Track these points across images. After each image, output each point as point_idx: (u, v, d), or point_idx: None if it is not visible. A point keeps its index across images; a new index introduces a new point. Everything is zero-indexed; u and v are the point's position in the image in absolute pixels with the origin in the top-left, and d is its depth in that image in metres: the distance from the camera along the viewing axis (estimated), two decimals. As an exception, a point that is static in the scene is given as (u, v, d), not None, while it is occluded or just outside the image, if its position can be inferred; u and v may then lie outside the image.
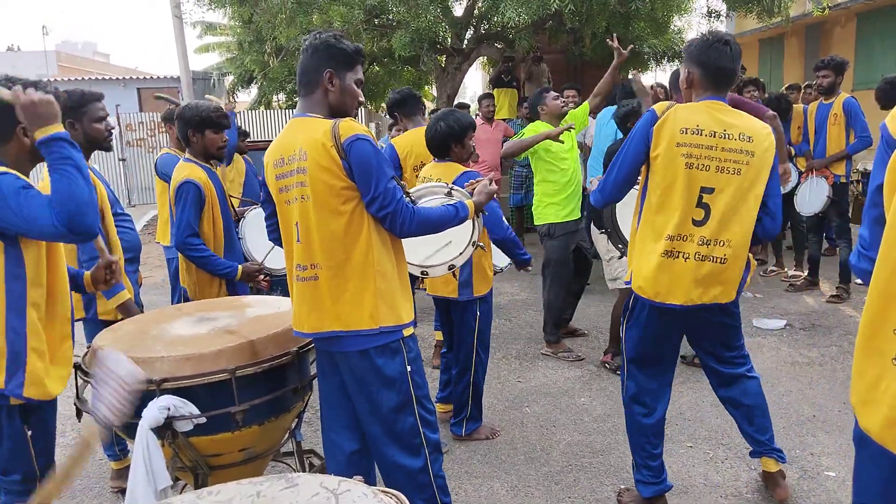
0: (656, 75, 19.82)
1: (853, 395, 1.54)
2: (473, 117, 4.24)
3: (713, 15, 9.69)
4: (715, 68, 2.52)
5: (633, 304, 2.76)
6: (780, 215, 2.63)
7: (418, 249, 2.80)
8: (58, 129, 1.97)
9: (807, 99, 6.34)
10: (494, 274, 3.64)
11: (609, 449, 3.46)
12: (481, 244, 2.88)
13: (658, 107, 2.59)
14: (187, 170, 3.25)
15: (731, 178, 2.49)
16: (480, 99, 8.72)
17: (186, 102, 3.44)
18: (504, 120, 9.38)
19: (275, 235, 2.50)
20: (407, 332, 2.31)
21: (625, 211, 3.51)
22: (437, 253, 2.85)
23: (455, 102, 10.26)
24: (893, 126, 1.50)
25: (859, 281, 6.02)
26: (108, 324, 2.90)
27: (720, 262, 2.54)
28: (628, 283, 2.73)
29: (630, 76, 5.28)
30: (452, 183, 3.01)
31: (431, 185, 2.93)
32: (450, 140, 3.27)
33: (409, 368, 2.30)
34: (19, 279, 2.04)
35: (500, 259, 4.14)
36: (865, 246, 1.59)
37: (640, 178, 2.70)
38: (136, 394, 1.75)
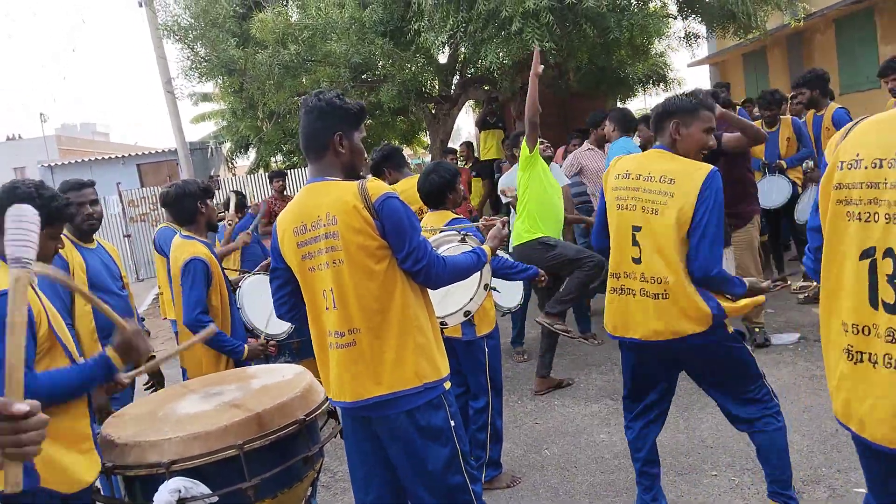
0: (645, 100, 20.03)
1: (829, 384, 1.78)
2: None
3: (691, 37, 9.83)
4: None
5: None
6: (697, 255, 2.54)
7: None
8: (120, 364, 2.20)
9: (794, 110, 6.33)
10: (503, 315, 3.64)
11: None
12: (493, 286, 2.92)
13: (613, 160, 2.87)
14: (190, 246, 3.31)
15: (652, 217, 2.61)
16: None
17: (179, 182, 3.53)
18: (493, 160, 9.63)
19: (286, 308, 2.41)
20: (447, 385, 2.30)
21: None
22: (446, 302, 2.84)
23: (446, 148, 10.43)
24: (827, 152, 1.75)
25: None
26: None
27: (662, 298, 2.60)
28: None
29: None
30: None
31: (445, 235, 2.98)
32: (444, 188, 3.35)
33: (452, 423, 2.28)
34: None
35: (510, 300, 4.14)
36: (810, 249, 1.88)
37: None
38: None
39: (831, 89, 6.12)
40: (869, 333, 1.59)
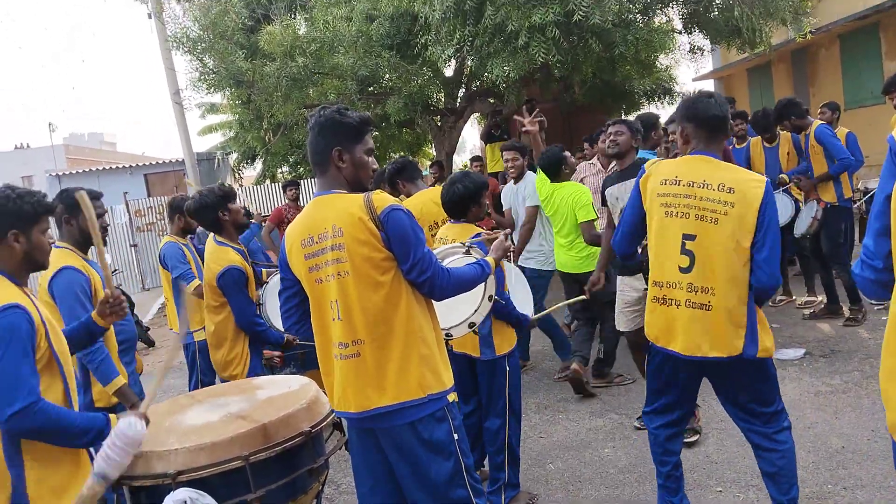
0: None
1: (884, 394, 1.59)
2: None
3: (696, 51, 9.87)
4: (704, 119, 2.63)
5: (651, 348, 2.83)
6: (768, 268, 2.51)
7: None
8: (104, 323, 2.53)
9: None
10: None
11: (637, 501, 3.38)
12: (497, 297, 2.91)
13: (648, 163, 2.81)
14: (223, 254, 3.52)
15: (709, 226, 2.54)
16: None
17: (192, 196, 3.63)
18: (499, 173, 9.61)
19: (293, 321, 2.46)
20: (451, 397, 2.31)
21: None
22: (451, 314, 2.84)
23: (471, 157, 10.49)
24: None
25: (874, 302, 5.94)
26: (101, 410, 2.93)
27: (706, 309, 2.56)
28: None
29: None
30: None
31: (450, 247, 2.99)
32: (468, 201, 3.31)
33: (456, 437, 2.28)
34: None
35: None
36: (869, 256, 1.60)
37: None
38: (130, 446, 2.08)
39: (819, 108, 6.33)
40: None
